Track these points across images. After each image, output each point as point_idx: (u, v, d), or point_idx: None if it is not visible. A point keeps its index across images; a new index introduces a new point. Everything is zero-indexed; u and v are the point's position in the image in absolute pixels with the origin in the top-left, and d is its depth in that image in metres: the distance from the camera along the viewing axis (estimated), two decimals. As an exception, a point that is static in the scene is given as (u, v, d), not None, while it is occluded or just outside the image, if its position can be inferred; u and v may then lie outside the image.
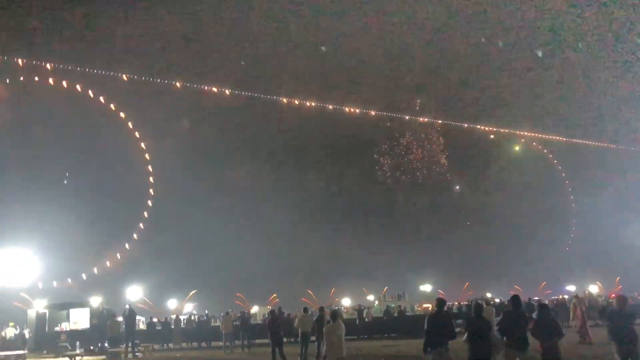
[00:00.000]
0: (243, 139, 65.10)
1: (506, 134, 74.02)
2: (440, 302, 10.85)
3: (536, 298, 40.63)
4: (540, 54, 58.85)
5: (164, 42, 60.30)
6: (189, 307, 59.06)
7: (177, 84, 61.40)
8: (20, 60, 53.24)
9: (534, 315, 11.45)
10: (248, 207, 62.91)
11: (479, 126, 70.27)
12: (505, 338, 10.22)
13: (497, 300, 43.68)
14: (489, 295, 57.25)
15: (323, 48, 60.76)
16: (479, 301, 11.29)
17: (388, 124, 73.38)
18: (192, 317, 40.25)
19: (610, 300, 30.01)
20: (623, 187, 66.48)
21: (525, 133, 75.22)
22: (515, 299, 11.01)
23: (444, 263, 62.39)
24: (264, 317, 39.96)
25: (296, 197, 64.54)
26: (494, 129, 72.40)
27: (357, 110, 64.90)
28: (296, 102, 65.46)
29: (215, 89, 62.65)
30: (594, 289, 60.94)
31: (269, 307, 54.25)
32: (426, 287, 60.13)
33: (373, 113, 66.65)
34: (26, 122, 53.41)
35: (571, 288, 63.15)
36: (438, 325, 10.31)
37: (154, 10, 56.21)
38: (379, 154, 73.59)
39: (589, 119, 68.65)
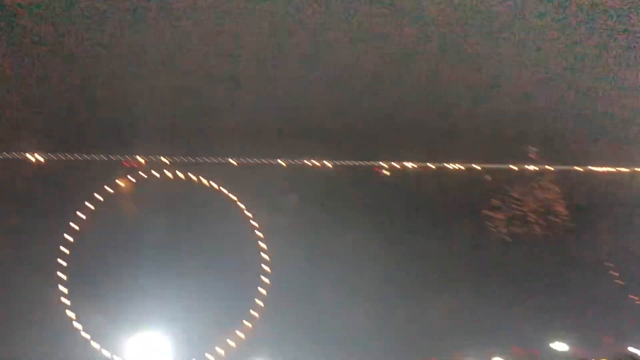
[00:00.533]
0: (349, 206, 65.73)
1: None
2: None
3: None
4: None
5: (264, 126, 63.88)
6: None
7: (283, 163, 64.32)
8: (140, 157, 58.51)
9: None
10: (364, 276, 62.57)
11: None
12: None
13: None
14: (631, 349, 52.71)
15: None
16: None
17: (487, 177, 71.49)
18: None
19: None
20: None
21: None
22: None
23: (577, 316, 58.23)
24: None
25: (408, 262, 63.63)
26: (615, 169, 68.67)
27: (462, 167, 64.28)
28: (397, 165, 66.17)
29: (317, 163, 64.81)
30: None
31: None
32: (560, 347, 56.15)
33: (479, 167, 65.64)
34: (146, 214, 57.69)
35: None
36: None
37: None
38: (489, 209, 71.43)
39: None
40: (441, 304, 61.20)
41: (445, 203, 67.21)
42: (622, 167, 69.19)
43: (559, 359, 53.22)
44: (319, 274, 60.33)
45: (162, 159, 60.08)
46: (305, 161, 64.66)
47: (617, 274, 66.53)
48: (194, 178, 61.03)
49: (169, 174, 59.92)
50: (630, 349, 53.53)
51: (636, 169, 70.21)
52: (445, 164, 66.14)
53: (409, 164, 66.16)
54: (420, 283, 63.56)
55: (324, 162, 64.79)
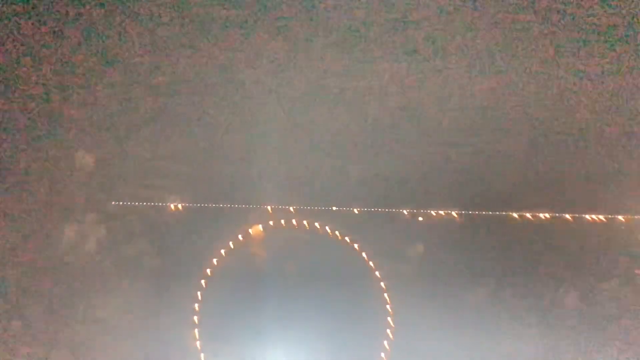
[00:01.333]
0: (480, 260, 63.16)
1: None
2: None
3: None
4: None
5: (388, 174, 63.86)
6: None
7: (405, 212, 63.44)
8: (269, 207, 60.75)
9: None
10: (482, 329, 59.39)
11: None
12: None
13: None
14: None
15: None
16: None
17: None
18: None
19: None
20: None
21: None
22: None
23: None
24: None
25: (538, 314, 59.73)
26: None
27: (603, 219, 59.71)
28: (530, 215, 62.85)
29: (443, 212, 63.23)
30: None
31: None
32: None
33: (622, 219, 60.63)
34: (274, 262, 59.36)
35: None
36: None
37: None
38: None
39: None
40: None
41: (580, 257, 62.75)
42: None
43: None
44: (445, 328, 58.09)
45: (290, 208, 61.72)
46: (431, 211, 63.39)
47: None
48: (318, 227, 61.89)
49: (295, 223, 61.26)
50: None
51: None
52: (584, 215, 61.70)
53: (543, 215, 62.44)
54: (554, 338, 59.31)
55: (451, 212, 63.07)
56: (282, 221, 61.30)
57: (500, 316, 60.07)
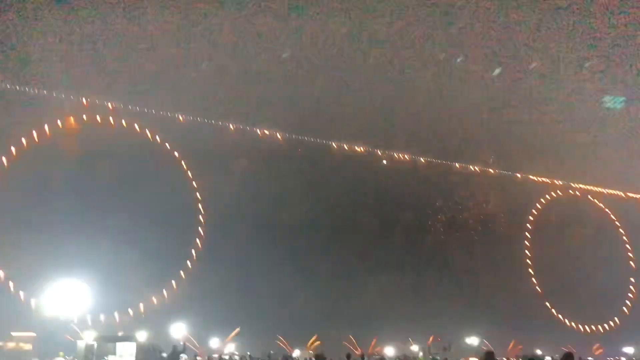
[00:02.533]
0: (296, 181, 65.74)
1: (559, 186, 72.69)
2: (488, 357, 10.70)
3: (590, 359, 38.91)
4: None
5: (220, 84, 62.71)
6: (230, 347, 59.02)
7: (231, 126, 63.63)
8: (84, 99, 56.79)
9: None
10: (298, 250, 62.91)
11: (532, 177, 69.45)
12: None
13: (548, 358, 42.07)
14: (538, 352, 55.06)
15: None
16: (530, 357, 10.82)
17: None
18: (234, 358, 40.30)
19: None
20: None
21: (582, 186, 73.82)
22: (568, 357, 10.75)
23: (492, 317, 60.50)
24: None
25: (347, 242, 64.53)
26: (548, 180, 71.33)
27: (407, 157, 65.42)
28: (346, 147, 66.57)
29: (267, 132, 64.49)
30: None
31: (310, 351, 53.97)
32: (473, 340, 58.31)
33: (423, 160, 66.84)
34: (85, 157, 55.91)
35: (629, 350, 60.25)
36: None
37: (212, 57, 59.35)
38: (432, 211, 72.58)
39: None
40: (371, 288, 62.47)
41: (393, 194, 68.34)
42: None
43: (467, 351, 55.09)
44: (253, 242, 60.10)
45: (108, 104, 58.34)
46: (257, 129, 64.31)
47: (538, 281, 69.45)
48: (137, 128, 59.57)
49: (112, 121, 58.24)
50: (537, 351, 55.91)
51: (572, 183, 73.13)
52: (394, 153, 67.03)
53: (359, 148, 66.75)
54: (353, 263, 64.58)
55: (276, 133, 64.58)
56: (98, 117, 57.89)
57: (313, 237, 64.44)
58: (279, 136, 65.21)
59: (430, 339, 59.59)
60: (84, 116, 57.04)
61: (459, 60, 58.28)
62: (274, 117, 64.61)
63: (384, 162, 68.34)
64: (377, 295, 62.36)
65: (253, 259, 58.01)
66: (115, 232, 54.13)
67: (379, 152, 67.13)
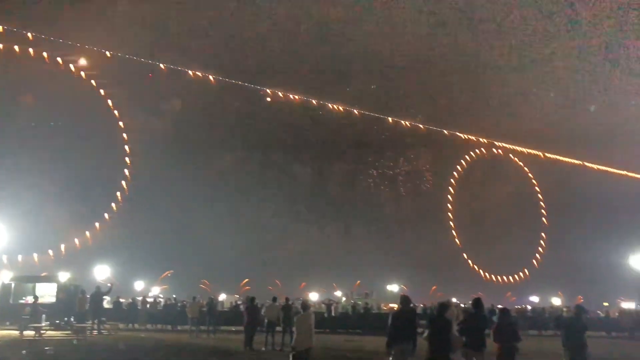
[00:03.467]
0: (229, 126, 64.70)
1: (485, 144, 75.62)
2: (404, 300, 11.19)
3: (500, 306, 41.58)
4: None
5: (150, 22, 59.80)
6: (155, 290, 58.80)
7: (162, 66, 61.21)
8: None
9: (495, 318, 11.95)
10: (227, 195, 62.58)
11: (460, 134, 71.72)
12: (464, 338, 10.59)
13: (463, 305, 44.53)
14: (454, 299, 58.19)
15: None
16: (441, 303, 11.66)
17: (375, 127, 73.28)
18: (158, 300, 40.24)
19: (566, 310, 31.08)
20: (597, 207, 68.44)
21: (503, 144, 76.96)
22: (477, 301, 11.41)
23: (414, 266, 63.11)
24: (232, 305, 40.17)
25: (277, 188, 64.81)
26: (474, 138, 73.95)
27: (342, 108, 65.67)
28: (280, 94, 65.84)
29: (200, 74, 62.55)
30: (556, 301, 62.62)
31: (237, 296, 54.55)
32: (393, 287, 60.87)
33: (357, 112, 67.26)
34: (2, 90, 52.37)
35: (535, 299, 64.85)
36: (401, 322, 10.62)
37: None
38: (364, 163, 73.50)
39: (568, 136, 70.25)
40: (301, 235, 63.38)
41: (327, 144, 68.77)
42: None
43: (388, 297, 57.46)
44: (181, 186, 59.15)
45: (28, 34, 54.35)
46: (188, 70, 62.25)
47: (458, 234, 72.87)
48: (60, 62, 56.26)
49: (32, 52, 54.55)
50: (454, 298, 59.01)
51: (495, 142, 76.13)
52: (328, 104, 67.04)
53: (293, 96, 66.25)
54: (284, 210, 65.09)
55: (208, 75, 62.75)
56: (16, 47, 53.92)
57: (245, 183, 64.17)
58: (211, 78, 63.41)
59: (357, 283, 61.66)
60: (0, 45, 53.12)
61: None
62: (206, 59, 62.83)
63: (320, 113, 68.22)
64: (307, 242, 63.49)
65: (181, 202, 57.16)
66: (34, 170, 51.88)
67: (314, 102, 66.87)
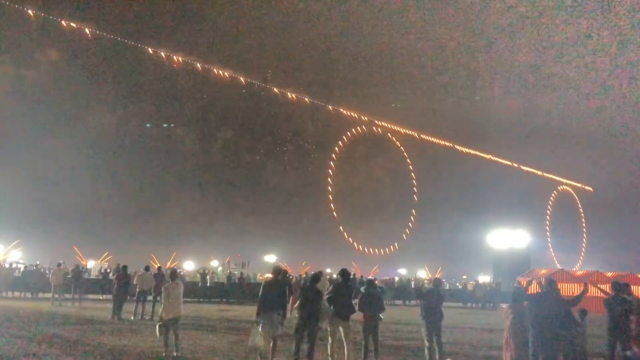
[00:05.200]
0: (103, 82, 60.73)
1: (364, 121, 78.23)
2: (276, 270, 11.39)
3: (370, 277, 43.77)
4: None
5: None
6: (15, 255, 54.38)
7: (30, 12, 55.93)
8: None
9: (362, 289, 12.54)
10: (101, 156, 59.00)
11: (343, 110, 73.49)
12: (332, 307, 11.01)
13: (329, 271, 46.34)
14: (328, 270, 60.21)
15: None
16: (314, 273, 12.09)
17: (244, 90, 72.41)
18: (17, 266, 37.37)
19: (427, 282, 33.38)
20: (464, 188, 73.75)
21: (385, 124, 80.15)
22: (344, 272, 11.89)
23: (292, 237, 64.29)
24: (100, 272, 38.46)
25: (156, 155, 62.41)
26: (356, 115, 76.24)
27: (227, 74, 64.38)
28: (163, 54, 63.08)
29: (74, 25, 58.02)
30: (421, 273, 67.05)
31: (105, 263, 52.09)
32: (270, 258, 61.61)
33: (243, 80, 66.40)
34: None
35: (402, 271, 68.97)
36: (272, 292, 10.82)
37: None
38: (249, 132, 72.82)
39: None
40: (176, 203, 61.77)
41: (213, 110, 67.25)
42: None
43: (265, 267, 58.22)
44: (48, 144, 54.83)
45: None
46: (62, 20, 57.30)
47: (335, 207, 75.26)
48: None
49: None
50: (327, 269, 61.12)
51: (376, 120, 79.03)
52: (212, 68, 65.41)
53: (178, 58, 63.74)
54: (159, 177, 62.96)
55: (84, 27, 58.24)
56: None
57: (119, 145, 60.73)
58: (87, 31, 59.06)
59: (228, 258, 61.48)
60: None
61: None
62: (81, 9, 58.50)
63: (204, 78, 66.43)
64: (183, 211, 62.13)
65: (49, 162, 52.97)
66: None
67: (199, 66, 64.89)
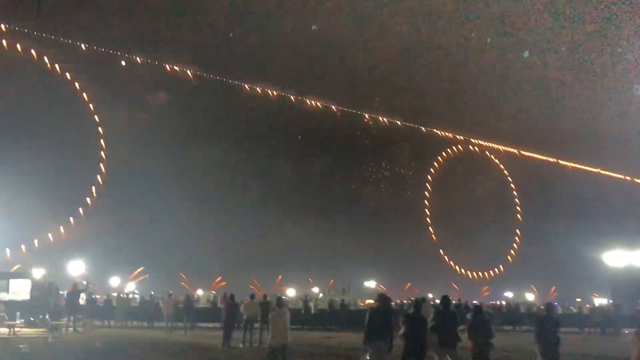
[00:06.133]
0: (207, 121, 64.12)
1: (460, 140, 76.58)
2: (382, 297, 11.35)
3: (475, 301, 42.17)
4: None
5: (128, 14, 59.14)
6: (131, 286, 58.16)
7: (138, 59, 60.53)
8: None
9: (468, 316, 12.19)
10: (205, 190, 61.91)
11: (437, 131, 72.49)
12: (437, 335, 10.79)
13: (431, 296, 45.18)
14: (430, 295, 58.88)
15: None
16: (417, 300, 11.90)
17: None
18: (134, 296, 39.90)
19: (540, 307, 31.66)
20: (572, 204, 69.79)
21: (482, 142, 78.04)
22: (445, 298, 11.64)
23: (390, 262, 63.60)
24: (209, 301, 40.10)
25: (256, 184, 64.61)
26: (450, 135, 74.86)
27: (320, 104, 65.81)
28: (259, 89, 65.72)
29: (177, 68, 62.06)
30: (530, 296, 63.78)
31: (213, 292, 54.28)
32: (370, 284, 61.30)
33: (335, 108, 67.59)
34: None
35: (509, 295, 65.95)
36: (378, 319, 10.77)
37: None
38: (343, 158, 73.50)
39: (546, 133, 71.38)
40: (277, 230, 63.16)
41: (305, 140, 68.83)
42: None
43: (365, 293, 57.98)
44: (157, 180, 58.31)
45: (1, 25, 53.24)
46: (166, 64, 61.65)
47: (434, 230, 73.70)
48: (34, 54, 55.23)
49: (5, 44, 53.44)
50: (429, 294, 59.72)
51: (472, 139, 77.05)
52: (305, 99, 67.16)
53: (272, 91, 66.21)
54: (260, 205, 64.81)
55: (186, 70, 62.30)
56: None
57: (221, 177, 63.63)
58: (189, 73, 63.01)
59: (331, 281, 61.83)
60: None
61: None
62: (184, 54, 62.38)
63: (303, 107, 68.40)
64: (284, 237, 63.38)
65: (158, 198, 56.42)
66: (7, 165, 50.80)
67: (292, 97, 66.94)
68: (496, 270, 74.93)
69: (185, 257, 57.19)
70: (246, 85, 65.87)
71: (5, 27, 52.78)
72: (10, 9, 52.89)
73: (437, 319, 11.00)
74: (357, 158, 75.20)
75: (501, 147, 78.86)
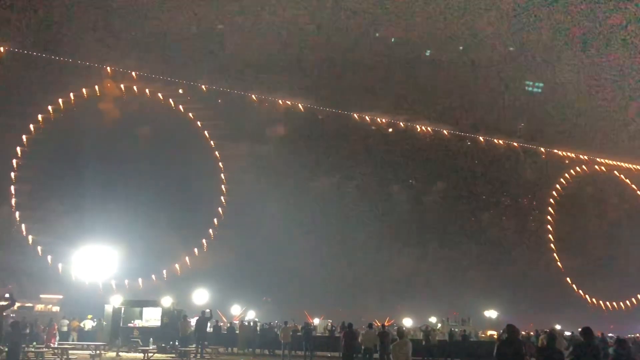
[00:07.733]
0: (324, 152, 65.60)
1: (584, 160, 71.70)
2: (510, 329, 10.71)
3: (610, 334, 38.73)
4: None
5: (244, 55, 62.70)
6: (251, 314, 59.83)
7: (253, 97, 63.74)
8: (108, 68, 57.25)
9: (611, 350, 11.16)
10: (321, 221, 62.91)
11: (558, 151, 68.70)
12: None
13: (567, 333, 41.87)
14: (558, 327, 54.89)
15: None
16: (551, 332, 10.98)
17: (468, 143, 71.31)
18: (252, 324, 40.87)
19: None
20: None
21: (608, 161, 72.80)
22: (587, 330, 10.74)
23: (512, 291, 60.36)
24: (325, 329, 40.19)
25: (373, 214, 64.59)
26: (573, 155, 70.53)
27: (430, 129, 64.97)
28: (367, 118, 66.27)
29: (289, 102, 64.41)
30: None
31: (329, 321, 54.32)
32: (491, 314, 58.28)
33: (446, 132, 66.40)
34: (113, 126, 56.49)
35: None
36: (508, 352, 10.17)
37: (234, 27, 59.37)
38: (460, 184, 71.56)
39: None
40: (390, 262, 62.49)
41: (420, 167, 68.11)
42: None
43: (486, 324, 55.25)
44: (275, 212, 60.22)
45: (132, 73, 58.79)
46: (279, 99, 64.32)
47: (560, 257, 68.91)
48: (161, 97, 59.98)
49: (136, 89, 58.65)
50: (557, 326, 55.72)
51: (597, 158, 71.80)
52: (416, 125, 66.69)
53: (381, 119, 66.52)
54: (374, 236, 64.58)
55: (297, 103, 64.54)
56: (122, 85, 58.29)
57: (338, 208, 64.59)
58: (300, 107, 65.08)
59: (454, 313, 59.68)
60: (110, 85, 57.71)
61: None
62: (294, 87, 64.69)
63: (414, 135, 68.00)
64: (400, 267, 62.47)
65: (275, 229, 58.24)
66: (140, 200, 55.04)
67: (401, 124, 66.72)
68: (633, 300, 68.39)
69: (304, 286, 58.03)
70: (355, 115, 66.75)
71: (136, 74, 58.02)
72: (140, 58, 58.21)
73: (576, 353, 10.14)
74: (474, 183, 72.72)
75: (633, 166, 72.75)
